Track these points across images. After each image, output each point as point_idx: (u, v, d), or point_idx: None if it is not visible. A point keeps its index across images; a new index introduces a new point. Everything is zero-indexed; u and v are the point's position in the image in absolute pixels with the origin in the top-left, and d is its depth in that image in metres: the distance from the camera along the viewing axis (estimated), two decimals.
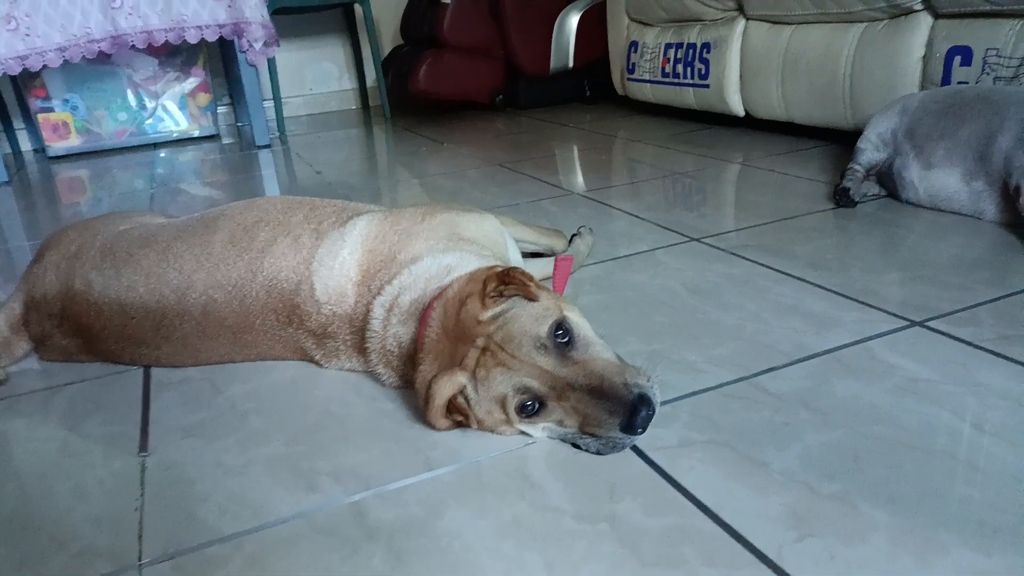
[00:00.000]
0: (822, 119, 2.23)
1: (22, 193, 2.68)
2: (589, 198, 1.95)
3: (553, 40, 3.49)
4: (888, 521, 0.71)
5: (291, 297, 1.04)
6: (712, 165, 2.21)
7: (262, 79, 3.74)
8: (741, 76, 2.51)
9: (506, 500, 0.79)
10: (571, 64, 3.53)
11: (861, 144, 1.69)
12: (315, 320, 1.04)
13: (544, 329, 0.85)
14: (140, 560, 0.75)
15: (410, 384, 0.99)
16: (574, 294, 1.32)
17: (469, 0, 3.38)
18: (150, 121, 3.51)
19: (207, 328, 1.08)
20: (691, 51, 2.70)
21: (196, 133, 3.59)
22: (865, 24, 2.05)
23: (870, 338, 1.06)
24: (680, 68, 2.77)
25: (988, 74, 1.72)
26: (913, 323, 1.09)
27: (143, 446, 0.95)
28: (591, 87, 3.64)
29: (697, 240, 1.54)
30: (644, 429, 0.82)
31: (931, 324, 1.09)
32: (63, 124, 3.34)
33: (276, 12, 3.37)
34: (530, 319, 0.87)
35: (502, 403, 0.85)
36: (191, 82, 3.51)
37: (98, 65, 3.29)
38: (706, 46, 2.62)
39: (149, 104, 3.49)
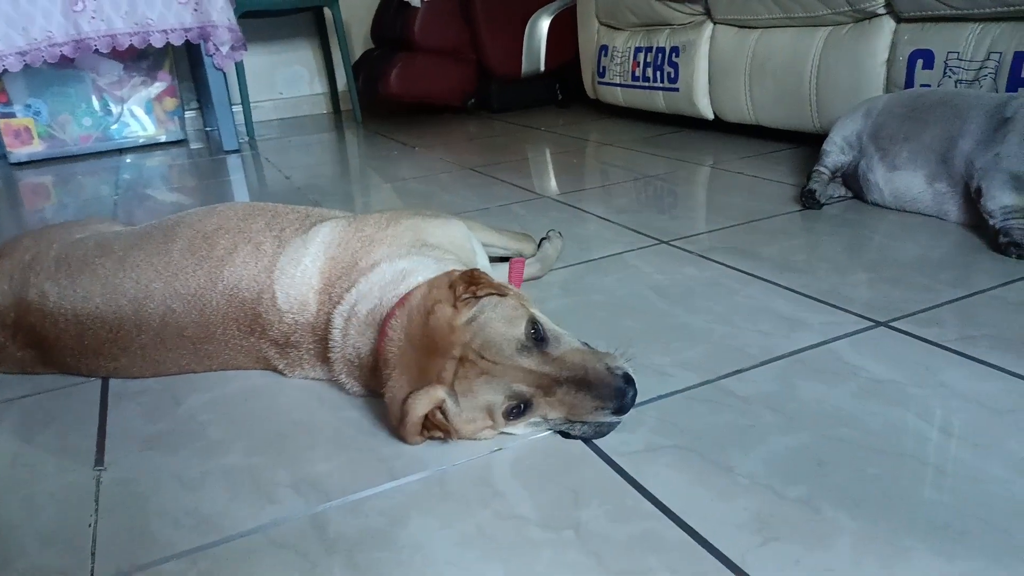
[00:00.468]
0: (789, 122, 2.24)
1: None
2: (560, 201, 1.94)
3: (525, 43, 3.49)
4: (852, 525, 0.71)
5: (252, 306, 1.02)
6: (682, 168, 2.22)
7: (230, 83, 3.69)
8: (710, 80, 2.53)
9: (470, 509, 0.78)
10: (543, 67, 3.53)
11: (827, 147, 1.71)
12: (277, 329, 1.02)
13: (521, 330, 0.85)
14: None
15: (374, 393, 0.98)
16: (543, 298, 1.31)
17: (440, 3, 3.37)
18: (116, 126, 3.45)
19: (166, 339, 1.06)
20: (660, 55, 2.71)
21: (163, 138, 3.54)
22: (830, 28, 2.07)
23: (835, 339, 1.07)
24: (650, 72, 2.78)
25: (949, 77, 1.74)
26: (878, 324, 1.10)
27: (99, 459, 0.93)
28: (563, 90, 3.65)
29: (667, 243, 1.55)
30: (632, 407, 0.85)
31: (895, 324, 1.09)
32: (25, 130, 3.27)
33: (244, 15, 3.33)
34: (504, 322, 0.86)
35: (489, 411, 0.85)
36: (157, 86, 3.46)
37: (61, 69, 3.22)
38: (675, 50, 2.63)
39: (115, 109, 3.43)
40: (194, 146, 3.48)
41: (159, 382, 1.11)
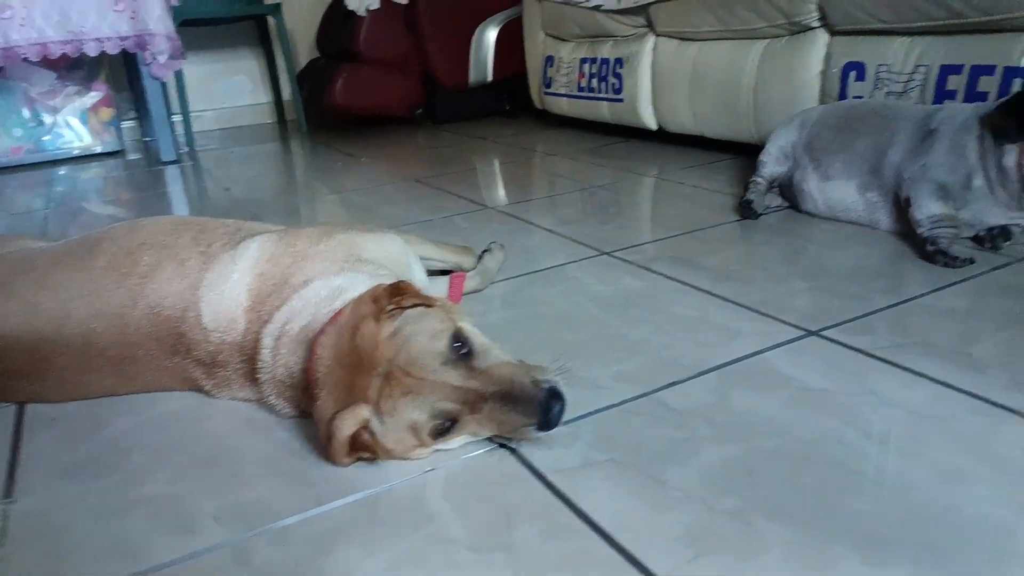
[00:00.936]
0: (729, 133, 2.28)
1: None
2: (504, 213, 1.94)
3: (472, 54, 3.48)
4: (782, 537, 0.71)
5: (176, 325, 0.98)
6: (627, 178, 2.23)
7: (170, 93, 3.61)
8: (653, 91, 2.56)
9: (400, 533, 0.75)
10: (490, 78, 3.53)
11: (763, 157, 1.74)
12: (203, 349, 0.98)
13: (444, 344, 0.83)
14: None
15: (305, 414, 0.95)
16: (483, 311, 1.30)
17: (386, 13, 3.34)
18: (48, 137, 3.33)
19: (87, 360, 1.01)
20: (605, 66, 2.73)
21: (99, 149, 3.43)
22: (767, 40, 2.12)
23: (769, 349, 1.08)
24: (595, 82, 2.80)
25: (881, 89, 1.79)
26: (810, 333, 1.12)
27: (8, 491, 0.88)
28: (511, 101, 3.65)
29: (608, 254, 1.55)
30: (559, 422, 0.83)
31: (827, 334, 1.11)
32: None
33: (183, 24, 3.25)
34: (428, 336, 0.84)
35: (415, 430, 0.83)
36: (92, 96, 3.35)
37: None
38: (619, 61, 2.66)
39: (47, 119, 3.31)
40: (132, 157, 3.39)
41: (80, 406, 1.06)
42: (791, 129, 1.71)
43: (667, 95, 2.48)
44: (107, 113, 3.42)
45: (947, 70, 1.65)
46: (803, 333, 1.12)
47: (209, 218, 1.14)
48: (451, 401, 0.82)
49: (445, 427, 0.83)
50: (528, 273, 1.48)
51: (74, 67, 3.27)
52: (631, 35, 2.64)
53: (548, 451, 0.87)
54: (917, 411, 0.89)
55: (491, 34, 3.47)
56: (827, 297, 1.24)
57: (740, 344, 1.10)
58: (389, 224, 1.89)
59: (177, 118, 3.65)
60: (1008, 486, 0.76)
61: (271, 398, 0.96)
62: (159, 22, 2.85)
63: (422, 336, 0.83)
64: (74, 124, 3.38)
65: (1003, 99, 1.35)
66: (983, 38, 1.60)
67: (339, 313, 0.89)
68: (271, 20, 3.73)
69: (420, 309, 0.86)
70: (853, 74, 1.86)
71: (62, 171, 3.15)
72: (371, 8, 3.27)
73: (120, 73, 3.73)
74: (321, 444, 0.85)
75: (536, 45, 3.19)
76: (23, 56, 2.72)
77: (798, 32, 2.03)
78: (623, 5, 2.54)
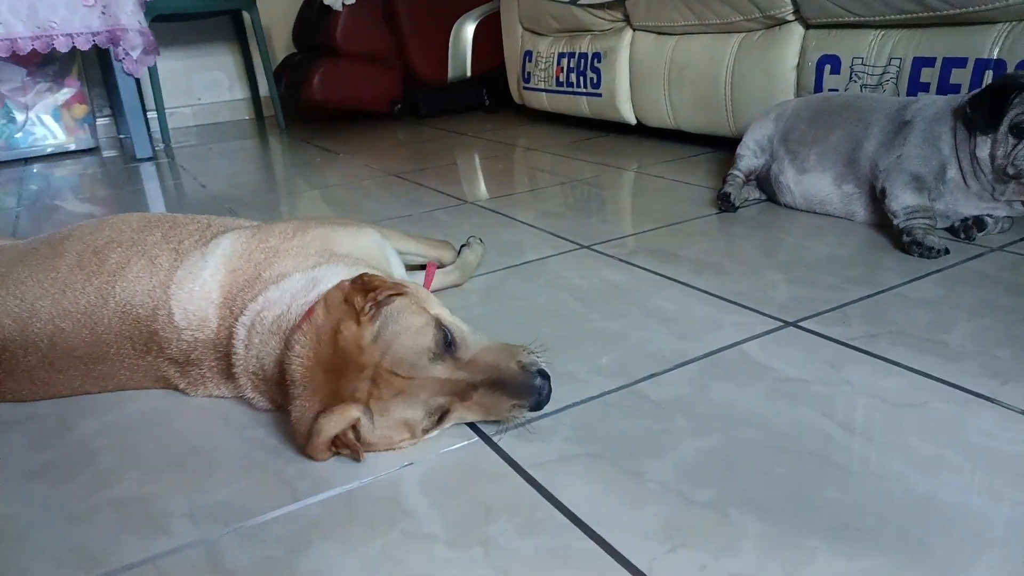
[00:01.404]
0: (707, 126, 2.29)
1: None
2: (485, 207, 1.93)
3: (450, 49, 3.47)
4: (758, 528, 0.71)
5: (148, 323, 0.97)
6: (606, 172, 2.23)
7: (145, 89, 3.56)
8: (631, 85, 2.56)
9: (376, 530, 0.75)
10: (469, 73, 3.52)
11: (740, 151, 1.74)
12: (176, 347, 0.97)
13: (430, 339, 0.83)
14: None
15: (281, 408, 0.94)
16: (463, 305, 1.29)
17: (363, 7, 3.31)
18: (20, 135, 3.27)
19: (55, 360, 0.99)
20: (583, 60, 2.73)
21: (73, 146, 3.37)
22: (743, 34, 2.12)
23: (746, 340, 1.08)
24: (573, 77, 2.79)
25: (855, 81, 1.80)
26: (787, 324, 1.12)
27: None
28: (490, 96, 3.64)
29: (588, 247, 1.55)
30: (548, 401, 0.85)
31: (804, 324, 1.11)
32: None
33: (157, 19, 3.21)
34: (412, 334, 0.83)
35: (409, 426, 0.83)
36: (65, 93, 3.29)
37: None
38: (597, 56, 2.66)
39: (19, 116, 3.25)
40: (107, 154, 3.34)
41: (49, 406, 1.04)
42: (767, 122, 1.72)
43: (645, 89, 2.48)
44: (80, 110, 3.37)
45: (920, 63, 1.66)
46: (780, 324, 1.12)
47: (179, 215, 1.13)
48: (443, 395, 0.83)
49: (437, 419, 0.84)
50: (508, 267, 1.47)
51: (45, 63, 3.21)
52: (608, 29, 2.64)
53: (527, 444, 0.87)
54: (892, 400, 0.90)
55: (469, 29, 3.46)
56: (804, 288, 1.25)
57: (719, 336, 1.10)
58: (368, 219, 1.88)
59: (152, 114, 3.60)
60: (982, 473, 0.76)
61: (247, 392, 0.94)
62: (131, 16, 2.81)
63: (406, 335, 0.83)
64: (47, 121, 3.32)
65: (975, 91, 1.36)
66: (955, 31, 1.61)
67: (313, 308, 0.87)
68: (246, 15, 3.69)
69: (397, 304, 0.85)
70: (828, 67, 1.87)
71: (35, 169, 3.09)
72: (347, 3, 3.24)
73: (94, 69, 3.67)
74: (299, 441, 0.84)
75: (514, 40, 3.18)
76: None
77: (773, 26, 2.04)
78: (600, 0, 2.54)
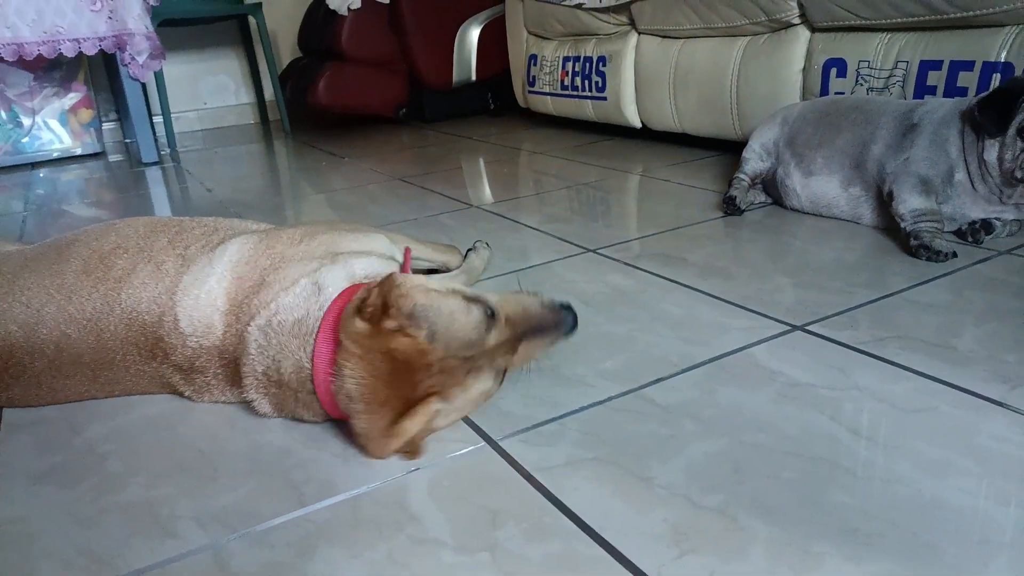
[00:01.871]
0: (712, 130, 2.28)
1: None
2: (490, 211, 1.93)
3: (455, 53, 3.47)
4: (767, 533, 0.70)
5: (154, 330, 0.97)
6: (612, 176, 2.23)
7: (151, 93, 3.57)
8: (636, 89, 2.55)
9: (383, 535, 0.75)
10: (474, 77, 3.52)
11: (746, 154, 1.74)
12: (181, 354, 0.97)
13: (474, 314, 0.86)
14: None
15: (286, 414, 0.94)
16: None
17: (369, 12, 3.32)
18: (27, 139, 3.28)
19: (61, 366, 0.99)
20: (588, 64, 2.73)
21: (79, 151, 3.38)
22: (749, 38, 2.12)
23: (754, 344, 1.07)
24: (578, 81, 2.79)
25: (861, 85, 1.80)
26: (794, 327, 1.12)
27: None
28: (495, 100, 3.64)
29: (593, 251, 1.54)
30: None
31: (811, 328, 1.11)
32: None
33: (163, 24, 3.22)
34: (459, 317, 0.86)
35: (485, 395, 0.89)
36: (71, 97, 3.30)
37: None
38: (602, 59, 2.66)
39: (25, 121, 3.27)
40: (113, 159, 3.35)
41: (57, 410, 1.04)
42: (773, 126, 1.72)
43: (650, 93, 2.48)
44: (87, 114, 3.38)
45: (927, 66, 1.66)
46: (788, 328, 1.12)
47: (186, 218, 1.13)
48: (504, 355, 0.88)
49: (501, 379, 0.91)
50: (514, 271, 1.47)
51: (52, 68, 3.23)
52: (614, 33, 2.64)
53: (533, 449, 0.86)
54: (901, 404, 0.90)
55: (474, 33, 3.46)
56: (811, 292, 1.24)
57: (726, 340, 1.10)
58: (374, 223, 1.88)
59: (159, 119, 3.62)
60: (991, 478, 0.76)
61: (253, 395, 0.94)
62: (138, 21, 2.81)
63: (455, 322, 0.85)
64: (53, 126, 3.34)
65: (983, 94, 1.36)
66: (962, 34, 1.61)
67: (337, 316, 0.88)
68: (252, 20, 3.70)
69: (421, 299, 0.85)
70: (834, 70, 1.87)
71: (41, 173, 3.11)
72: (353, 7, 3.25)
73: (100, 73, 3.69)
74: (369, 447, 0.86)
75: (519, 44, 3.18)
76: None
77: (779, 29, 2.04)
78: (604, 3, 2.54)
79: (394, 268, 1.06)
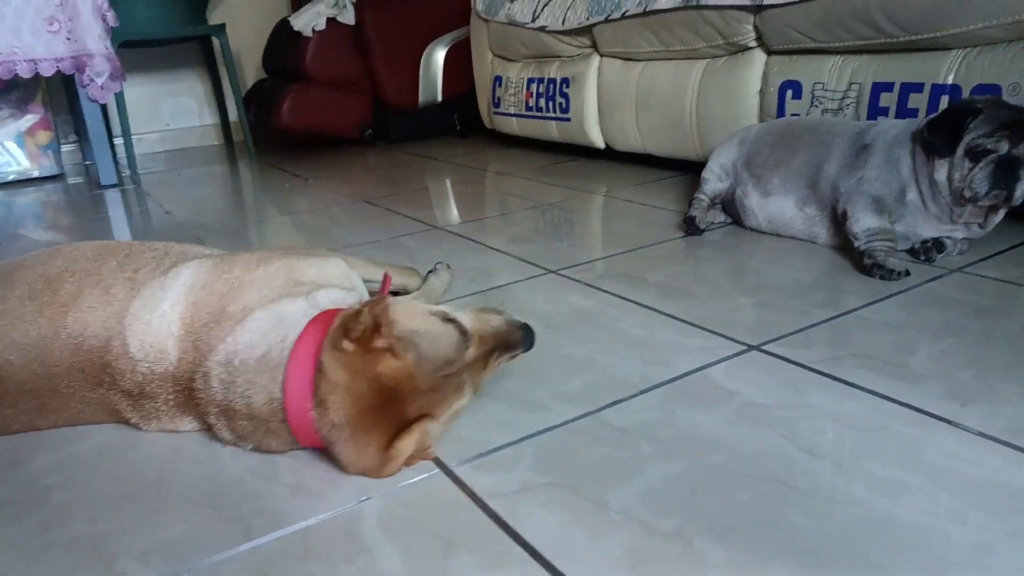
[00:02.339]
0: (674, 151, 2.31)
1: None
2: (454, 232, 1.92)
3: (421, 74, 3.48)
4: (722, 557, 0.70)
5: (101, 355, 0.94)
6: (576, 196, 2.24)
7: (112, 114, 3.52)
8: (599, 110, 2.58)
9: (333, 569, 0.73)
10: (440, 98, 3.53)
11: (705, 175, 1.76)
12: (130, 379, 0.94)
13: (453, 335, 0.88)
14: None
15: (255, 444, 0.92)
16: None
17: (333, 33, 3.32)
18: None
19: (4, 395, 0.96)
20: (552, 86, 2.75)
21: (37, 173, 3.32)
22: (707, 60, 2.16)
23: (711, 364, 1.08)
24: (543, 102, 2.82)
25: (816, 106, 1.83)
26: (751, 347, 1.12)
27: None
28: (461, 120, 3.65)
29: (555, 272, 1.55)
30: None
31: (767, 348, 1.12)
32: None
33: (124, 45, 3.18)
34: (441, 338, 0.87)
35: (460, 411, 0.91)
36: (28, 119, 3.24)
37: None
38: (565, 81, 2.68)
39: None
40: (72, 181, 3.29)
41: (0, 441, 1.01)
42: (731, 147, 1.74)
43: (613, 114, 2.51)
44: (45, 136, 3.32)
45: (879, 87, 1.70)
46: (745, 348, 1.12)
47: (136, 242, 1.10)
48: (481, 371, 0.91)
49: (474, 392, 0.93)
50: (475, 293, 1.46)
51: (8, 89, 3.17)
52: (577, 55, 2.67)
53: (488, 475, 0.85)
54: (853, 424, 0.90)
55: (440, 54, 3.47)
56: (768, 311, 1.25)
57: (684, 360, 1.10)
58: (337, 245, 1.86)
59: (119, 140, 3.56)
60: (943, 495, 0.76)
61: (214, 421, 0.91)
62: (98, 42, 2.78)
63: (439, 344, 0.87)
64: (10, 147, 3.27)
65: (933, 115, 1.39)
66: (911, 57, 1.65)
67: (310, 344, 0.87)
68: (216, 41, 3.68)
69: (406, 323, 0.86)
70: (790, 92, 1.91)
71: None
72: (317, 29, 3.24)
73: (59, 94, 3.63)
74: (367, 472, 0.86)
75: (484, 65, 3.20)
76: None
77: (736, 52, 2.08)
78: (567, 26, 2.56)
79: (355, 296, 1.05)
